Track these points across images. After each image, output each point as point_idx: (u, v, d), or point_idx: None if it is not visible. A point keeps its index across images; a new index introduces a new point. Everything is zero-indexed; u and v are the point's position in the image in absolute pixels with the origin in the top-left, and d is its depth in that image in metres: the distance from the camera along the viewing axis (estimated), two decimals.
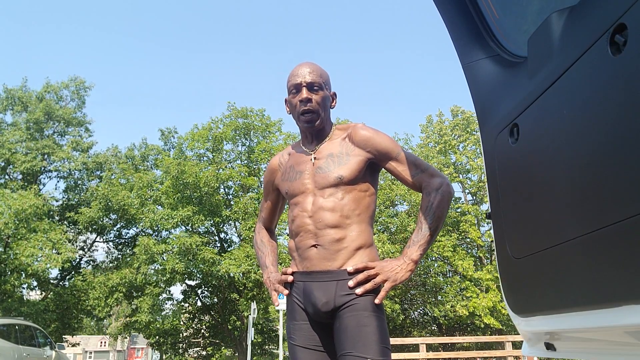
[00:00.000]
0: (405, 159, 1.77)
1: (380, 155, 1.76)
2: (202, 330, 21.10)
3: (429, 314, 19.20)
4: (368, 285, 1.63)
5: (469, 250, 19.91)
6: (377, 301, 1.64)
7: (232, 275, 15.58)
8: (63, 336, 20.07)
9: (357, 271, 1.65)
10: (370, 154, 1.75)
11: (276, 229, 2.17)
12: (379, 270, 1.65)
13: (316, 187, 1.74)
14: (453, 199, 21.04)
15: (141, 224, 17.91)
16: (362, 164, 1.74)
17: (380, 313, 1.65)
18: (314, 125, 1.78)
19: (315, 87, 1.77)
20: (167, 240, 16.85)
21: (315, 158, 1.80)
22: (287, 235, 17.65)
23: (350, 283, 1.63)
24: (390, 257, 1.67)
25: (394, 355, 10.12)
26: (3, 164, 19.05)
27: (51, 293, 19.33)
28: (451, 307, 17.47)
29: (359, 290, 1.62)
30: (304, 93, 1.75)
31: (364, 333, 1.57)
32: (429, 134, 22.02)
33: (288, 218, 1.83)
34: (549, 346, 1.54)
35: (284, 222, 16.41)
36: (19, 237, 16.30)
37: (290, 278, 1.77)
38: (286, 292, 1.79)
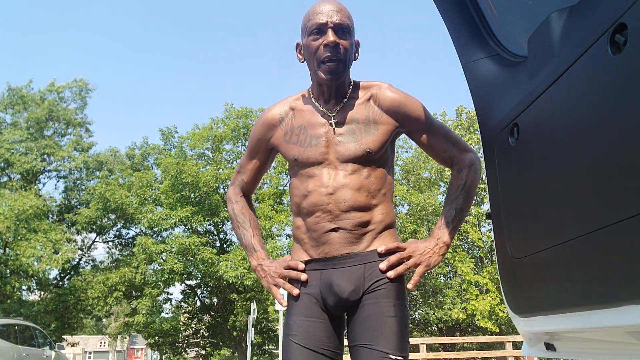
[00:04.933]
0: (437, 130, 1.57)
1: (411, 124, 1.54)
2: (202, 330, 21.09)
3: (429, 315, 19.18)
4: (400, 269, 1.45)
5: (469, 252, 19.88)
6: (410, 286, 1.48)
7: (227, 279, 15.58)
8: (62, 336, 20.05)
9: (388, 252, 1.47)
10: (399, 123, 1.52)
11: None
12: (411, 252, 1.47)
13: (338, 159, 1.48)
14: None
15: (140, 224, 17.92)
16: (389, 134, 1.51)
17: (405, 302, 1.47)
18: (338, 78, 1.48)
19: (344, 30, 1.45)
20: (166, 241, 16.85)
21: (335, 122, 1.51)
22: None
23: (382, 265, 1.44)
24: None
25: None
26: (3, 164, 19.04)
27: (50, 293, 19.31)
28: (448, 309, 17.44)
29: (391, 273, 1.44)
30: (330, 36, 1.43)
31: (387, 325, 1.40)
32: None
33: (294, 190, 1.56)
34: (549, 346, 1.54)
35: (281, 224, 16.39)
36: (19, 237, 16.30)
37: (304, 276, 1.49)
38: (297, 292, 1.50)
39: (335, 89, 1.52)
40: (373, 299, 1.43)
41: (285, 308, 1.58)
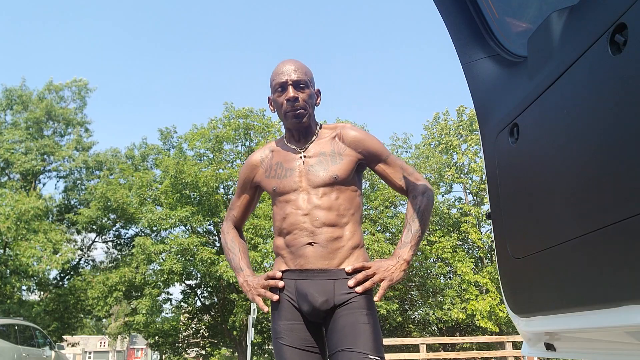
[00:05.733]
0: (393, 162, 1.82)
1: (370, 156, 1.79)
2: (202, 330, 21.09)
3: (429, 314, 19.19)
4: (367, 284, 1.65)
5: (469, 252, 19.87)
6: (376, 299, 1.67)
7: (227, 279, 15.57)
8: (62, 336, 20.05)
9: (355, 271, 1.67)
10: (360, 155, 1.78)
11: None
12: (376, 269, 1.68)
13: (310, 186, 1.74)
14: (455, 199, 21.20)
15: (140, 224, 17.91)
16: (353, 164, 1.76)
17: (375, 312, 1.68)
18: (302, 122, 1.77)
19: (301, 85, 1.76)
20: (165, 241, 16.84)
21: (305, 156, 1.79)
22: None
23: (351, 282, 1.65)
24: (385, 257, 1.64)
25: (394, 356, 10.14)
26: (3, 164, 19.04)
27: (50, 293, 19.32)
28: (448, 309, 17.44)
29: (359, 289, 1.64)
30: (291, 91, 1.74)
31: (363, 330, 1.59)
32: (431, 133, 21.96)
33: (275, 216, 1.82)
34: (549, 346, 1.54)
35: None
36: (19, 237, 16.30)
37: (281, 283, 1.72)
38: (276, 297, 1.73)
39: (303, 131, 1.82)
40: (347, 310, 1.63)
41: (265, 311, 1.82)
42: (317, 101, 1.86)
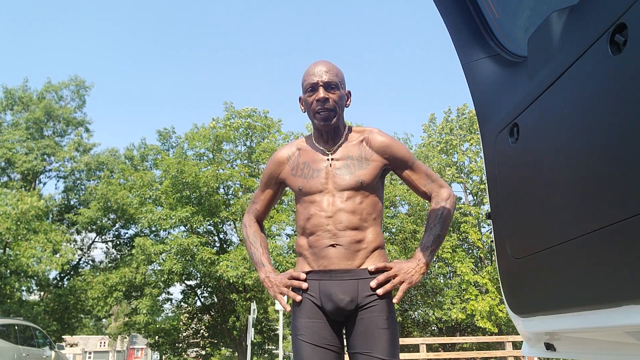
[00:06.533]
0: (419, 168, 1.86)
1: (397, 163, 1.83)
2: (202, 330, 21.10)
3: (429, 314, 19.18)
4: (388, 286, 1.70)
5: (469, 252, 19.86)
6: (395, 301, 1.73)
7: (228, 279, 15.56)
8: (62, 336, 20.04)
9: (377, 270, 1.72)
10: (387, 161, 1.81)
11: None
12: (397, 271, 1.73)
13: (335, 188, 1.76)
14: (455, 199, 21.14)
15: (140, 224, 17.90)
16: (379, 169, 1.80)
17: (394, 315, 1.74)
18: (331, 123, 1.79)
19: (332, 86, 1.78)
20: (166, 241, 16.83)
21: (332, 159, 1.82)
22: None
23: (372, 284, 1.69)
24: (397, 258, 1.69)
25: None
26: (3, 164, 19.04)
27: (50, 294, 19.32)
28: (448, 309, 17.44)
29: (380, 291, 1.69)
30: (321, 92, 1.76)
31: (382, 335, 1.67)
32: (430, 133, 21.94)
33: (299, 215, 1.84)
34: (549, 346, 1.55)
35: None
36: (19, 237, 16.29)
37: (305, 285, 1.75)
38: (299, 298, 1.76)
39: (332, 133, 1.83)
40: (369, 313, 1.69)
41: (287, 311, 1.86)
42: (348, 102, 1.88)
